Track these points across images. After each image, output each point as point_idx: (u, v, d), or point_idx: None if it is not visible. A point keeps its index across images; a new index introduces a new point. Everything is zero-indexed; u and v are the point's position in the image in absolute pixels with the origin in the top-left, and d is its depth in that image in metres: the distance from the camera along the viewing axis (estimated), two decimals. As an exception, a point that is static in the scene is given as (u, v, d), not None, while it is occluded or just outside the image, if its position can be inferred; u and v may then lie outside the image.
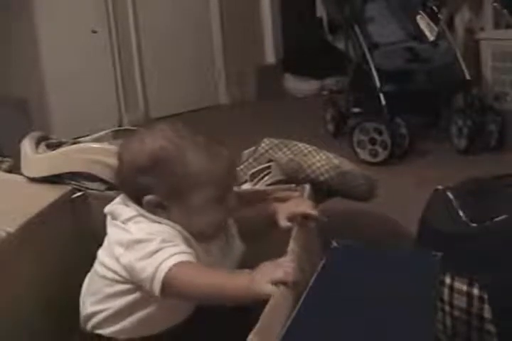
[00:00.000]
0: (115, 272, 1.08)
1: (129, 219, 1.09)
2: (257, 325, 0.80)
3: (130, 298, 1.08)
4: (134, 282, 1.06)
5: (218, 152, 1.11)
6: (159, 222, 1.08)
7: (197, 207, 1.08)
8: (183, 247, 1.04)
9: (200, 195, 1.08)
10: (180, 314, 1.13)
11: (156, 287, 1.00)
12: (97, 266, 1.15)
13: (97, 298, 1.13)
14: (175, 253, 1.01)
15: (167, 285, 1.00)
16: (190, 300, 1.10)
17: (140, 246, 1.03)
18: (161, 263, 1.00)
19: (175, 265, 1.00)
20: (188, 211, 1.09)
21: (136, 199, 1.10)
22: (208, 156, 1.08)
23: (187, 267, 1.01)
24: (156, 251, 1.02)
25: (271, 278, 0.91)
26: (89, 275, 1.18)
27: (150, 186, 1.08)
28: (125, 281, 1.08)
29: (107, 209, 1.15)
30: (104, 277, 1.11)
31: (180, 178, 1.07)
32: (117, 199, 1.15)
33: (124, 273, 1.07)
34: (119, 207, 1.12)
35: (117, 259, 1.07)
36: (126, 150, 1.12)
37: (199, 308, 1.12)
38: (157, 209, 1.09)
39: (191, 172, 1.07)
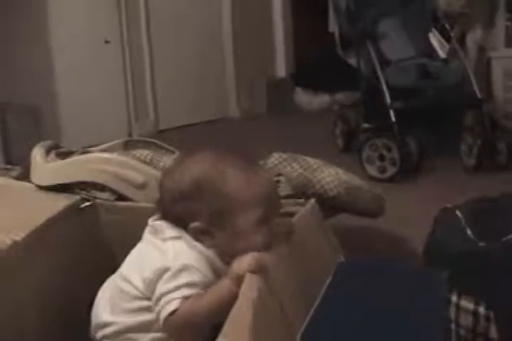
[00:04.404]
0: (139, 290, 1.08)
1: (170, 239, 1.09)
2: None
3: (147, 316, 1.08)
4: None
5: (259, 174, 1.12)
6: (197, 249, 1.08)
7: (242, 231, 1.08)
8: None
9: (244, 218, 1.08)
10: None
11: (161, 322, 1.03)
12: (118, 279, 1.14)
13: (112, 309, 1.12)
14: (182, 297, 1.02)
15: (170, 325, 1.02)
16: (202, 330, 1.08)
17: (167, 274, 1.04)
18: (167, 304, 1.02)
19: (176, 308, 1.01)
20: (233, 236, 1.08)
21: (181, 226, 1.10)
22: (248, 179, 1.09)
23: (185, 306, 1.01)
24: (172, 290, 1.02)
25: (237, 273, 0.98)
26: (107, 284, 1.17)
27: (194, 212, 1.08)
28: (145, 298, 1.07)
29: (150, 221, 1.14)
30: (126, 292, 1.10)
31: (223, 202, 1.07)
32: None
33: (147, 293, 1.07)
34: (163, 225, 1.12)
35: (144, 280, 1.07)
36: (168, 178, 1.13)
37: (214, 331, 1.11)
38: (202, 236, 1.08)
39: (234, 195, 1.07)
